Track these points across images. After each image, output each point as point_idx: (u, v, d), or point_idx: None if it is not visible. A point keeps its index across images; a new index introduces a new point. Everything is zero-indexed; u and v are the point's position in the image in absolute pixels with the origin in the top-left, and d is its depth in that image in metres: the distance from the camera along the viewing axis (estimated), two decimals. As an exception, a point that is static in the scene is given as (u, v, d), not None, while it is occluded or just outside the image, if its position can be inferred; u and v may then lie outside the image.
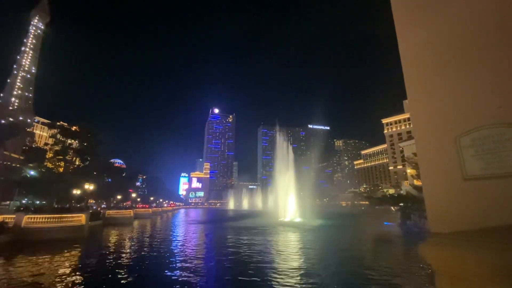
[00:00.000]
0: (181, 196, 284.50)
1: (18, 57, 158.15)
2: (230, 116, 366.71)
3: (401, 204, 46.55)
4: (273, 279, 14.20)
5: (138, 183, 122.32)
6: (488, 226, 1.66)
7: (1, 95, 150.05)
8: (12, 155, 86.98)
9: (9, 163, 74.85)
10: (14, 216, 30.51)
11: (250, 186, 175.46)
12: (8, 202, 66.28)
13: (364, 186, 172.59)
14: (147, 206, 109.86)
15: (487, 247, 1.46)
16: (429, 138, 2.10)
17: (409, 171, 51.25)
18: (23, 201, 74.48)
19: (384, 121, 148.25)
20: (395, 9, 2.47)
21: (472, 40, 1.97)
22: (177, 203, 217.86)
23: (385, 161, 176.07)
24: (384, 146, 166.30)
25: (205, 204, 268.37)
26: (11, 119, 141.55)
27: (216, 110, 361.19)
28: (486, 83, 1.87)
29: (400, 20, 2.46)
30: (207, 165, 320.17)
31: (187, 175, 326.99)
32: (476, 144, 1.83)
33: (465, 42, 2.00)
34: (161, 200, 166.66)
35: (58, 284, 14.10)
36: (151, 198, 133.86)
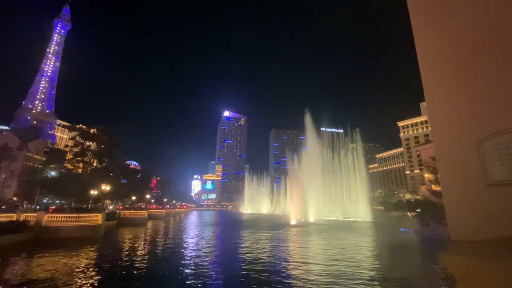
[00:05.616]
0: (194, 198, 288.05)
1: (42, 63, 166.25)
2: (242, 119, 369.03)
3: (418, 210, 44.93)
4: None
5: (152, 185, 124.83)
6: (513, 235, 1.57)
7: (26, 98, 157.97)
8: (35, 156, 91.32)
9: (31, 164, 78.54)
10: (36, 214, 31.93)
11: (262, 189, 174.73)
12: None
13: (379, 190, 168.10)
14: (160, 207, 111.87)
15: (513, 257, 1.38)
16: (449, 142, 2.02)
17: (427, 175, 49.43)
18: (44, 201, 77.94)
19: (400, 124, 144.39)
20: (412, 9, 2.42)
21: (494, 41, 1.89)
22: (189, 205, 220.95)
23: (401, 165, 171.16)
24: (400, 149, 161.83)
25: (217, 206, 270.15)
26: (34, 122, 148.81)
27: (228, 113, 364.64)
28: (509, 85, 1.78)
29: (417, 20, 2.40)
30: (219, 168, 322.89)
31: (199, 177, 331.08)
32: (499, 148, 1.74)
33: (487, 43, 1.92)
34: (174, 201, 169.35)
35: (78, 279, 14.58)
36: (165, 200, 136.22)
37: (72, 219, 32.13)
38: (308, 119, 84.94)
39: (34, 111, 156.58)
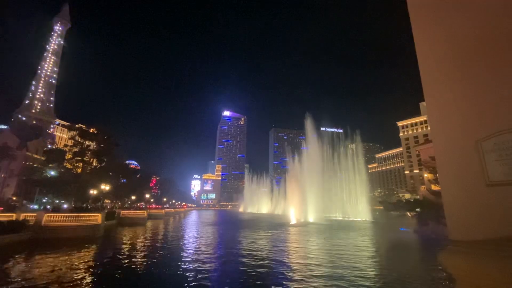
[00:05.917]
0: (193, 198, 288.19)
1: (41, 62, 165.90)
2: (242, 119, 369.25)
3: (418, 209, 45.01)
4: None
5: (151, 184, 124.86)
6: (512, 234, 1.57)
7: (26, 98, 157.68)
8: (34, 156, 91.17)
9: (31, 163, 78.39)
10: (35, 214, 31.88)
11: (262, 189, 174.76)
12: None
13: (379, 190, 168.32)
14: (160, 207, 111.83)
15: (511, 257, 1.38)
16: (448, 142, 2.02)
17: (426, 175, 49.50)
18: (43, 200, 77.84)
19: (400, 123, 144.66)
20: (412, 10, 2.42)
21: (493, 41, 1.89)
22: (189, 205, 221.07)
23: (400, 165, 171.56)
24: (400, 149, 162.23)
25: (217, 206, 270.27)
26: (33, 122, 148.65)
27: (228, 113, 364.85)
28: (508, 85, 1.78)
29: (417, 21, 2.40)
30: (218, 167, 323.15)
31: (199, 177, 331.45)
32: (499, 148, 1.74)
33: (486, 43, 1.92)
34: (173, 201, 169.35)
35: (77, 279, 14.57)
36: (164, 199, 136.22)
37: (72, 218, 32.06)
38: (308, 124, 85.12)
39: (33, 111, 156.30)
